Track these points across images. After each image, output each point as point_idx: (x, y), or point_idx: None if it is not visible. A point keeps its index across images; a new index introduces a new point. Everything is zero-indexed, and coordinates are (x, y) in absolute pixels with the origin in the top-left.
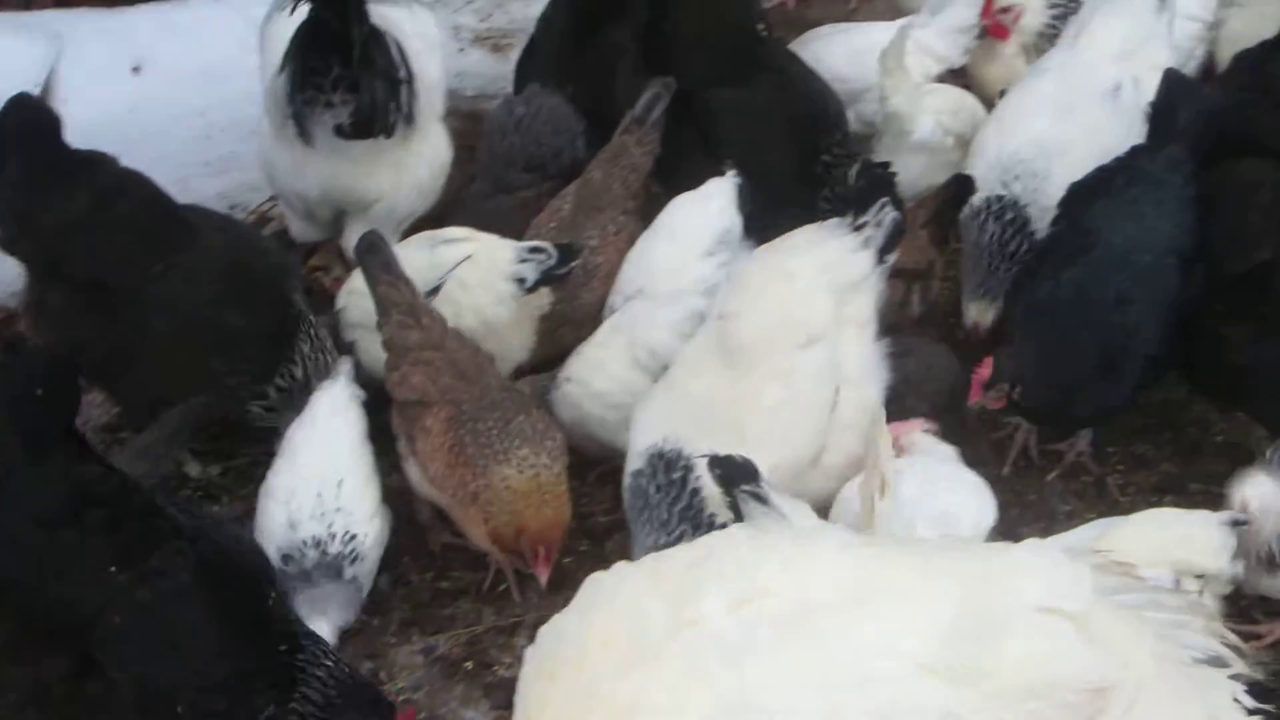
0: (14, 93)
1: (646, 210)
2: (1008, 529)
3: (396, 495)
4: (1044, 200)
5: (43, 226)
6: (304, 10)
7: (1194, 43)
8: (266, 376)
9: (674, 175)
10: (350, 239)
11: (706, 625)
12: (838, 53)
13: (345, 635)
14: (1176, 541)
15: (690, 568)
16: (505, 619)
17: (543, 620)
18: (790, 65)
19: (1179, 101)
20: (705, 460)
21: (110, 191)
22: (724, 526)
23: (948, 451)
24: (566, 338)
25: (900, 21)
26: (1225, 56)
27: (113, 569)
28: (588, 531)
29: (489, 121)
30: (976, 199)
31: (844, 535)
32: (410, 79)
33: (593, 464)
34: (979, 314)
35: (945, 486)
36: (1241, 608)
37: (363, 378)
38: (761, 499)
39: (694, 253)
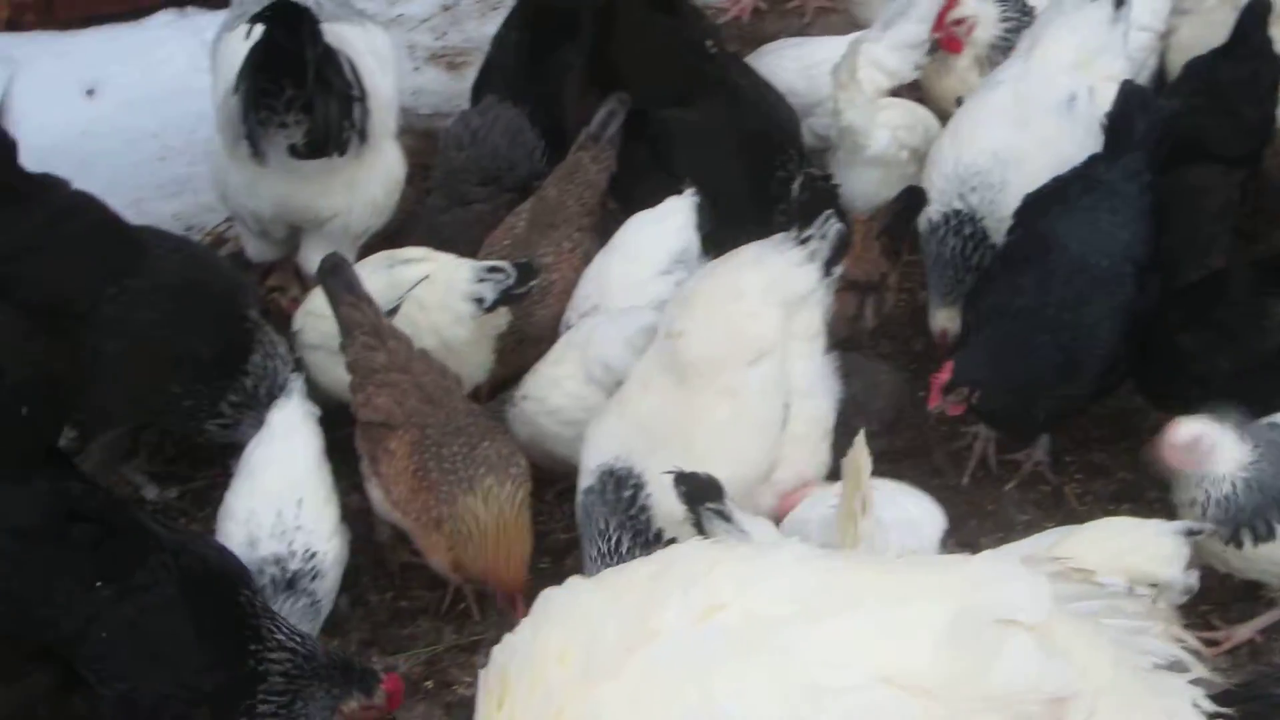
0: None
1: (603, 227)
2: (966, 539)
3: (355, 515)
4: (1001, 211)
5: None
6: (257, 30)
7: (1146, 53)
8: (221, 394)
9: (630, 193)
10: (306, 256)
11: (667, 638)
12: (789, 67)
13: None
14: (1129, 549)
15: (650, 581)
16: (465, 638)
17: (501, 639)
18: (743, 80)
19: (1135, 112)
20: (670, 478)
21: (62, 214)
22: (673, 543)
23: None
24: (524, 355)
25: (851, 36)
26: (1176, 64)
27: (98, 584)
28: (547, 548)
29: (445, 134)
30: (934, 214)
31: (803, 549)
32: (363, 97)
33: (551, 481)
34: (947, 320)
35: (902, 497)
36: (1200, 613)
37: (320, 398)
38: (725, 516)
39: (651, 271)
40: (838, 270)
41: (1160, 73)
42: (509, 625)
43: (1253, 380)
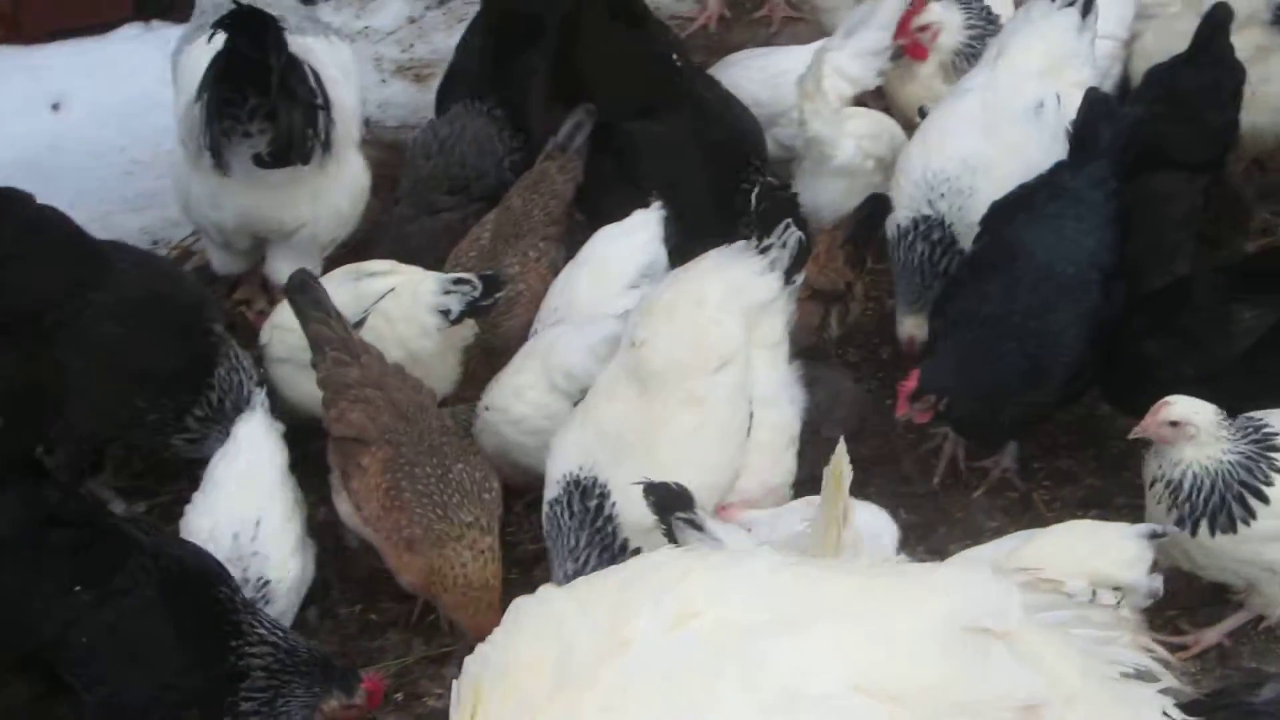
0: None
1: (570, 239)
2: (935, 546)
3: (323, 527)
4: (969, 217)
5: None
6: (220, 38)
7: (1110, 61)
8: (186, 409)
9: (597, 205)
10: (272, 268)
11: (639, 647)
12: (753, 78)
13: None
14: (1092, 553)
15: (621, 589)
16: (435, 649)
17: (473, 650)
18: (708, 93)
19: (1100, 119)
20: (638, 487)
21: (27, 229)
22: (637, 552)
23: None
24: (492, 366)
25: (813, 45)
26: (1139, 71)
27: (77, 589)
28: (516, 560)
29: (413, 143)
30: (903, 220)
31: (775, 557)
32: (328, 106)
33: (520, 492)
34: (915, 328)
35: (859, 509)
36: (1168, 618)
37: (287, 411)
38: (697, 525)
39: (618, 286)
40: (799, 279)
41: (1125, 80)
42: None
43: (1217, 386)
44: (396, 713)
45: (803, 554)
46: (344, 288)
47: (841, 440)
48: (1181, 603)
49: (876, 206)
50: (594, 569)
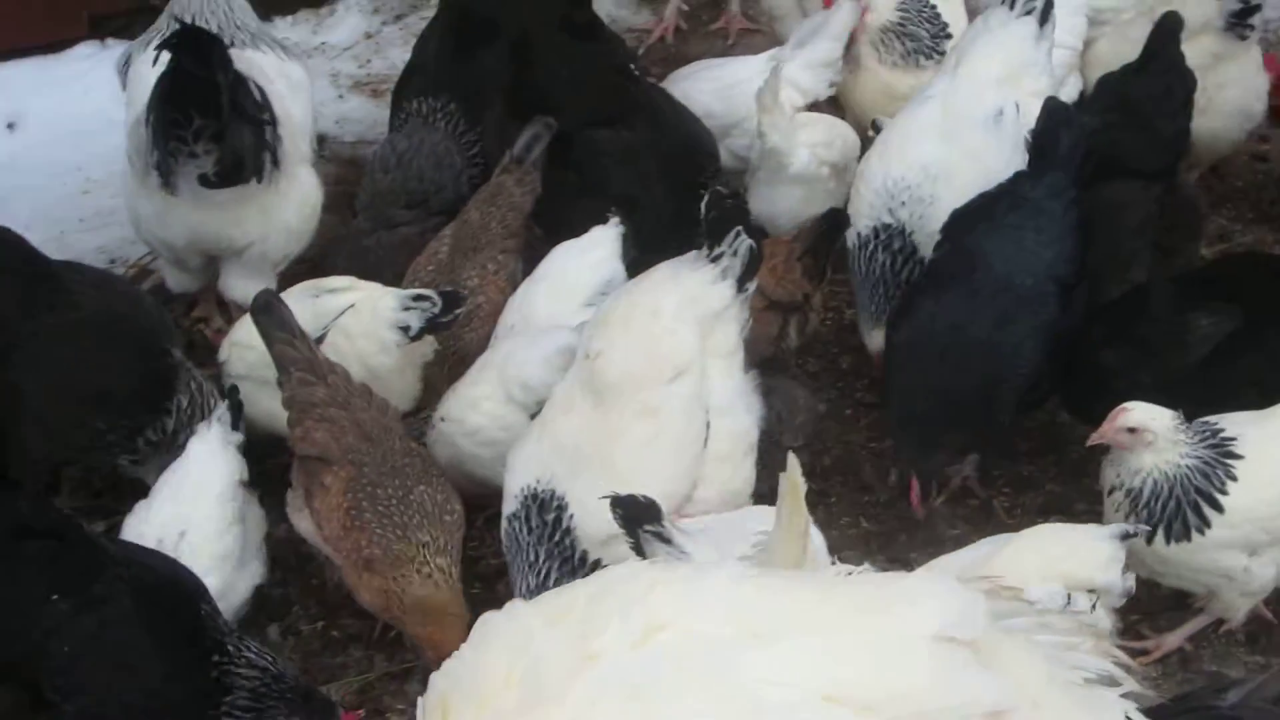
0: None
1: (528, 252)
2: (896, 555)
3: (283, 544)
4: (930, 225)
5: None
6: (165, 59)
7: (1065, 70)
8: (140, 430)
9: (555, 220)
10: (227, 285)
11: (607, 661)
12: (706, 89)
13: None
14: (1066, 556)
15: (589, 603)
16: (397, 665)
17: (436, 666)
18: (663, 103)
19: (1059, 128)
20: (595, 500)
21: None
22: (597, 564)
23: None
24: (452, 378)
25: (765, 56)
26: (1093, 78)
27: (55, 598)
28: (479, 575)
29: (371, 157)
30: (863, 229)
31: (742, 569)
32: (274, 122)
33: (481, 506)
34: (883, 341)
35: None
36: (1129, 623)
37: (246, 428)
38: (665, 538)
39: (575, 302)
40: (751, 287)
41: (1083, 89)
42: None
43: (1175, 395)
44: None
45: (764, 565)
46: (303, 304)
47: (790, 453)
48: (1143, 608)
49: (834, 220)
50: (555, 582)
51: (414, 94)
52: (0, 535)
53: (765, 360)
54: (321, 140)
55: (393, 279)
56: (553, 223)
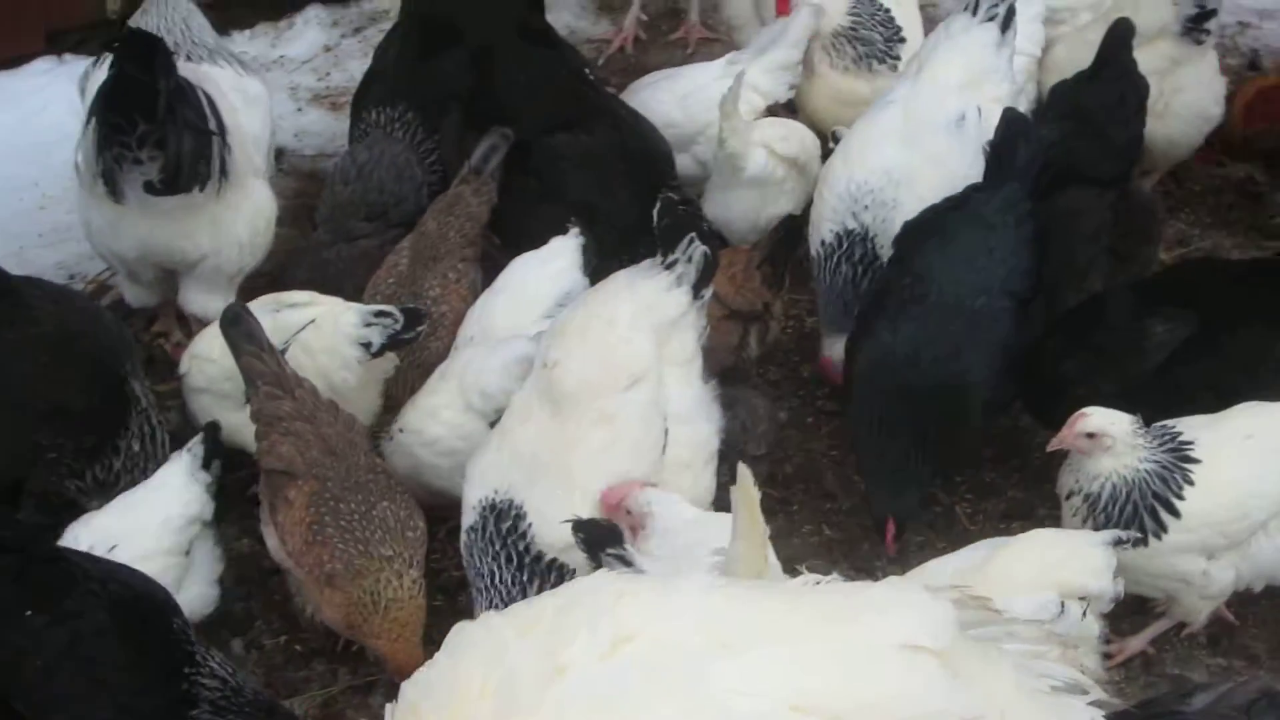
0: None
1: (488, 263)
2: (860, 564)
3: (245, 559)
4: (893, 229)
5: None
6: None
7: (1025, 77)
8: (91, 458)
9: (514, 230)
10: (185, 298)
11: (577, 672)
12: (664, 99)
13: None
14: (1060, 563)
15: (557, 615)
16: (360, 678)
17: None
18: (621, 109)
19: (1018, 139)
20: (569, 525)
21: None
22: (559, 568)
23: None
24: (415, 388)
25: (722, 62)
26: (1049, 84)
27: (28, 613)
28: (441, 586)
29: (331, 169)
30: (827, 234)
31: (709, 579)
32: (222, 132)
33: (444, 518)
34: (842, 351)
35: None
36: None
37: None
38: (627, 562)
39: (535, 313)
40: (707, 293)
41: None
42: None
43: (1133, 400)
44: None
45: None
46: (264, 318)
47: (740, 465)
48: (1106, 612)
49: (793, 227)
50: (515, 591)
51: (373, 103)
52: None
53: (726, 369)
54: (280, 153)
55: (353, 291)
56: (512, 230)
